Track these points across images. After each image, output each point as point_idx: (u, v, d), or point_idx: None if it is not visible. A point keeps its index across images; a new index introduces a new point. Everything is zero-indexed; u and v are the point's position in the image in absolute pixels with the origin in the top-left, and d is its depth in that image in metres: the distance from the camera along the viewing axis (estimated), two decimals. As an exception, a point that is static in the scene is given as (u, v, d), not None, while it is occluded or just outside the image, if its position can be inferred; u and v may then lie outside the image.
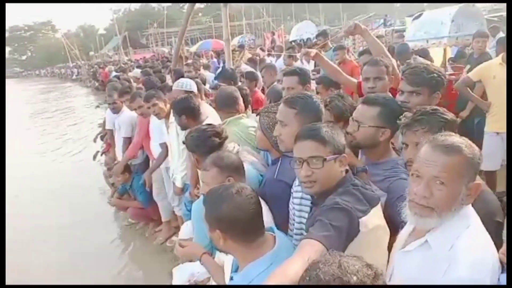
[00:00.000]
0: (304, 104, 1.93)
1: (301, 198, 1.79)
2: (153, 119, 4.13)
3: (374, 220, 1.48)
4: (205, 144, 2.34)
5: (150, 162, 4.62)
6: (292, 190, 1.89)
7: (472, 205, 1.34)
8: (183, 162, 3.72)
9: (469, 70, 4.97)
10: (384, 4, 36.90)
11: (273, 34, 17.73)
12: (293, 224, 1.86)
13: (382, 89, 2.63)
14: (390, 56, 3.04)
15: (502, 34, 8.73)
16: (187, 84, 3.64)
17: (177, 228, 4.64)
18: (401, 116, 1.80)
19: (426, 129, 1.68)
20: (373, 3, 35.77)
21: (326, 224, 1.34)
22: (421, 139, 1.58)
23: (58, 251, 4.79)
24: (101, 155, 6.17)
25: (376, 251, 1.49)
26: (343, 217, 1.38)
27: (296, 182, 1.85)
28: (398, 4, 41.83)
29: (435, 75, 2.18)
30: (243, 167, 2.05)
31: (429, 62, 5.23)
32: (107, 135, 5.94)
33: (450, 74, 5.91)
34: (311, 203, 1.69)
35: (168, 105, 3.78)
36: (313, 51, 3.08)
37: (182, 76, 5.24)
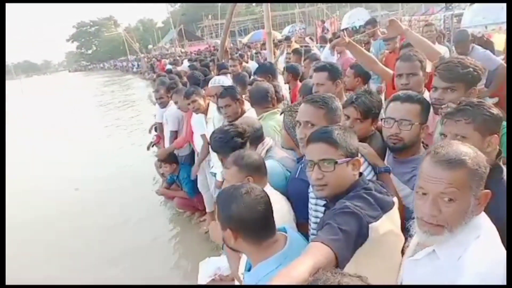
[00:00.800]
0: (331, 104, 1.95)
1: (317, 198, 1.78)
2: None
3: (386, 226, 1.44)
4: (227, 145, 2.39)
5: (195, 154, 4.79)
6: (309, 191, 1.89)
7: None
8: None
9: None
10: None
11: (323, 22, 17.28)
12: (310, 225, 1.87)
13: (416, 86, 2.53)
14: (440, 52, 2.87)
15: None
16: (221, 80, 3.74)
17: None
18: (444, 106, 1.73)
19: (469, 120, 1.59)
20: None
21: (334, 228, 1.32)
22: (461, 131, 1.54)
23: (113, 235, 5.18)
24: (152, 146, 6.49)
25: (387, 258, 1.46)
26: (352, 221, 1.35)
27: None
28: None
29: (471, 69, 2.07)
30: (264, 167, 2.07)
31: (488, 52, 4.86)
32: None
33: (511, 62, 5.46)
34: (324, 205, 1.69)
35: (206, 101, 3.91)
36: (345, 40, 3.01)
37: (226, 69, 5.35)
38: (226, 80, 3.76)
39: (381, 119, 2.13)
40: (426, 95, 2.55)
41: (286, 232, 1.63)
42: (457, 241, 1.23)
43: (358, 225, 1.36)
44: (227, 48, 6.70)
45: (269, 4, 5.01)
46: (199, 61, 8.88)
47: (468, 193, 1.21)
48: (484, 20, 6.96)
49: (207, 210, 4.88)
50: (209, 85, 3.79)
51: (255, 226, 1.51)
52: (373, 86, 6.58)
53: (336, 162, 1.52)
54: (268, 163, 2.42)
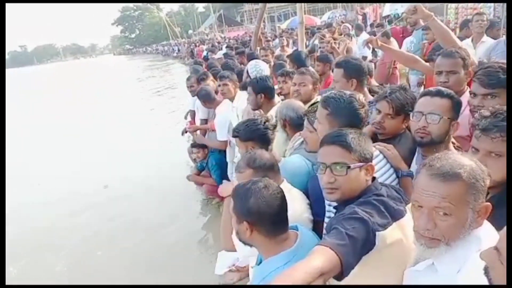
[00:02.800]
0: (337, 106, 1.85)
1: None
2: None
3: (394, 235, 1.40)
4: (257, 132, 2.40)
5: (228, 142, 4.83)
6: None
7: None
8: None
9: None
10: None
11: (363, 9, 16.75)
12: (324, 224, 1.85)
13: (456, 84, 2.39)
14: (462, 46, 2.74)
15: None
16: (253, 67, 3.73)
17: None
18: (478, 115, 1.59)
19: (506, 138, 1.45)
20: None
21: (341, 233, 1.29)
22: (497, 149, 1.43)
23: (141, 222, 5.39)
24: (186, 132, 6.63)
25: (393, 267, 1.42)
26: (360, 227, 1.32)
27: None
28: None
29: None
30: (277, 164, 2.07)
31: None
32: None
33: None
34: (335, 207, 1.66)
35: (237, 89, 3.94)
36: (378, 43, 2.95)
37: (256, 59, 5.32)
38: (265, 66, 3.77)
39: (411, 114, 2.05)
40: (467, 94, 2.42)
41: (298, 230, 1.64)
42: (456, 255, 1.20)
43: (366, 232, 1.32)
44: (261, 36, 6.66)
45: (302, -7, 4.94)
46: (235, 48, 8.95)
47: (465, 207, 1.16)
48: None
49: (235, 198, 4.93)
50: (249, 68, 3.82)
51: (270, 221, 1.53)
52: (413, 77, 6.36)
53: (349, 167, 1.49)
54: (293, 158, 2.42)
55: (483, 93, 2.00)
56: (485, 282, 1.11)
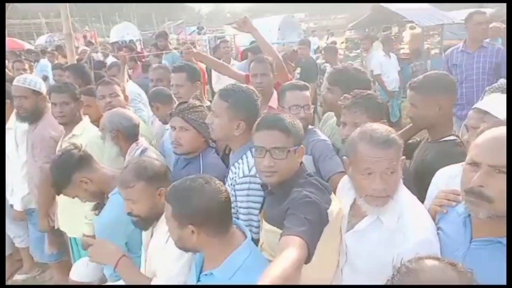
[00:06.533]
0: (236, 98, 1.88)
1: (249, 189, 1.77)
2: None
3: (336, 206, 1.55)
4: (68, 161, 2.09)
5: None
6: (234, 182, 1.84)
7: None
8: (24, 178, 3.15)
9: (300, 72, 5.87)
10: (193, 13, 38.53)
11: (85, 37, 16.52)
12: (237, 215, 1.83)
13: (268, 85, 2.87)
14: (278, 53, 3.31)
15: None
16: (35, 82, 3.02)
17: (20, 262, 3.88)
18: (342, 98, 2.05)
19: (363, 111, 1.92)
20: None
21: (302, 219, 1.34)
22: (358, 120, 1.86)
23: None
24: None
25: (337, 231, 1.58)
26: (315, 210, 1.41)
27: (234, 174, 1.84)
28: (205, 13, 44.28)
29: (349, 76, 2.40)
30: (170, 172, 1.91)
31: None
32: None
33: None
34: (267, 192, 1.68)
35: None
36: (194, 50, 3.14)
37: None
38: (42, 84, 3.04)
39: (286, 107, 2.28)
40: (275, 95, 2.88)
41: (235, 223, 1.57)
42: (393, 203, 1.46)
43: (319, 213, 1.42)
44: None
45: (67, 5, 4.36)
46: None
47: (398, 162, 1.47)
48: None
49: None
50: (16, 83, 2.96)
51: (219, 217, 1.42)
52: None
53: (288, 151, 1.55)
54: None
55: (327, 88, 2.50)
56: (421, 221, 1.44)
